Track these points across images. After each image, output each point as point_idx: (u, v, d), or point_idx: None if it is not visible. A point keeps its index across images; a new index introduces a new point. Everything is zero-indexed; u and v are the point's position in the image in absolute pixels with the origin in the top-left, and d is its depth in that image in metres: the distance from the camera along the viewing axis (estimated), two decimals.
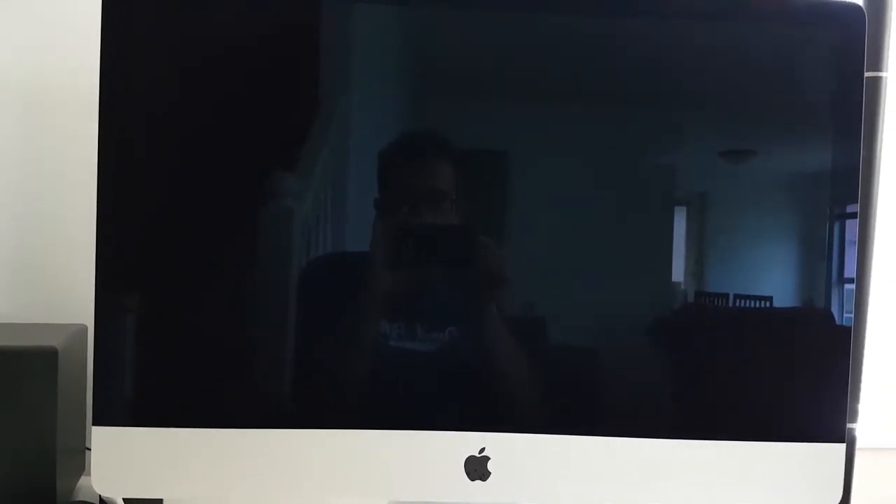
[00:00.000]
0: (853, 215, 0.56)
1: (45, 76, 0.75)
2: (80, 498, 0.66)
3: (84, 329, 0.69)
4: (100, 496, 0.62)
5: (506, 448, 0.53)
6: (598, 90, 0.55)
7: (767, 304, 0.55)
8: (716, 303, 0.55)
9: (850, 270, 0.56)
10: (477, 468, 0.53)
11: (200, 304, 0.53)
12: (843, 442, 0.54)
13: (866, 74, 0.54)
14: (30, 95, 0.75)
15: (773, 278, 0.55)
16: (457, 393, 0.54)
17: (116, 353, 0.52)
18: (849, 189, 0.55)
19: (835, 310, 0.55)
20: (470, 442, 0.53)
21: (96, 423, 0.52)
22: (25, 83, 0.75)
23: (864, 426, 0.67)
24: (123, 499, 0.63)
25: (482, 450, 0.53)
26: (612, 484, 0.54)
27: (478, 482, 0.53)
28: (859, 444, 0.66)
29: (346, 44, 0.54)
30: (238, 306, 0.53)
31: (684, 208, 0.55)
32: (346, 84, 0.53)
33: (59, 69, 0.75)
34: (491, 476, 0.53)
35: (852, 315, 0.56)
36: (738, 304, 0.55)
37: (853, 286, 0.57)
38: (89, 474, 0.69)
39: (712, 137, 0.55)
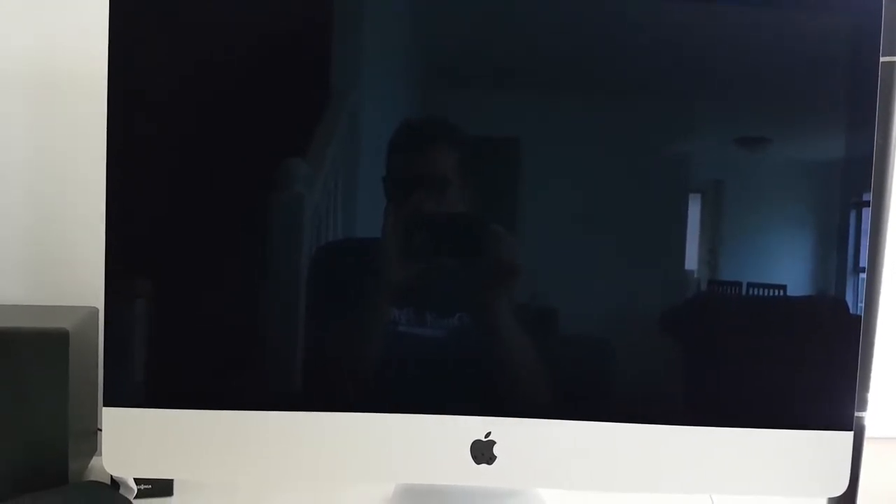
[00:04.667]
0: (869, 203, 0.55)
1: (56, 62, 0.76)
2: (92, 478, 0.67)
3: (95, 311, 0.69)
4: (111, 476, 0.63)
5: (512, 433, 0.53)
6: (612, 77, 0.54)
7: (781, 293, 0.54)
8: (729, 291, 0.54)
9: (866, 259, 0.55)
10: (483, 452, 0.53)
11: (210, 288, 0.53)
12: (851, 430, 0.54)
13: (882, 59, 0.54)
14: (41, 82, 0.76)
15: (787, 267, 0.55)
16: (464, 378, 0.54)
17: (127, 336, 0.52)
18: (865, 177, 0.54)
19: (849, 299, 0.54)
20: (476, 426, 0.53)
21: (107, 404, 0.52)
22: (37, 69, 0.75)
23: (876, 415, 0.66)
24: (134, 479, 0.64)
25: (488, 434, 0.53)
26: (617, 469, 0.54)
27: (484, 466, 0.53)
28: (869, 433, 0.66)
29: (356, 31, 0.53)
30: (247, 290, 0.53)
31: (699, 196, 0.54)
32: (355, 71, 0.53)
33: (70, 56, 0.76)
34: (497, 460, 0.53)
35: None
36: (751, 292, 0.54)
37: None
38: (100, 455, 0.70)
39: (727, 125, 0.54)
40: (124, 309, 0.52)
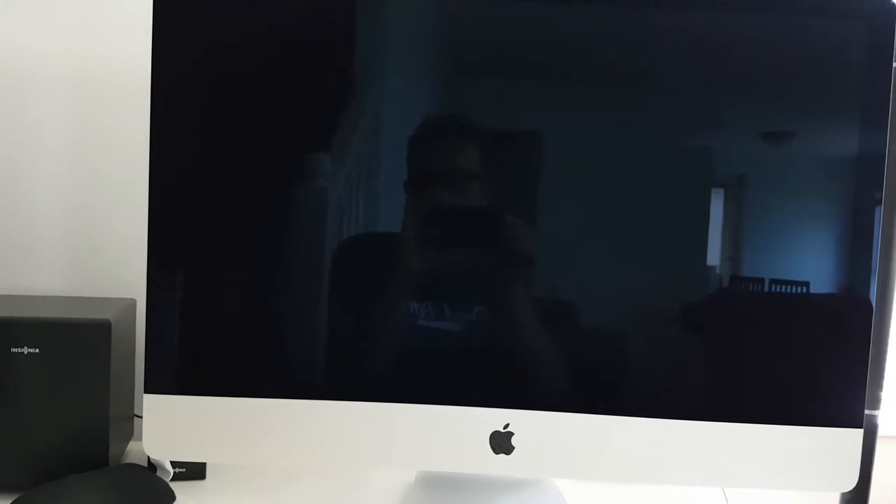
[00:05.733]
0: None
1: (94, 60, 0.78)
2: (130, 461, 0.70)
3: (133, 303, 0.72)
4: (148, 458, 0.66)
5: (529, 425, 0.55)
6: (634, 71, 0.54)
7: (804, 290, 0.55)
8: (750, 287, 0.55)
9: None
10: (501, 443, 0.55)
11: (243, 281, 0.55)
12: (861, 428, 0.55)
13: (895, 65, 0.55)
14: (79, 78, 0.78)
15: (810, 263, 0.55)
16: (483, 371, 0.55)
17: (166, 326, 0.55)
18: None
19: (866, 296, 0.55)
20: (495, 418, 0.55)
21: (148, 390, 0.55)
22: (75, 67, 0.78)
23: (891, 414, 0.67)
24: (171, 462, 0.67)
25: (507, 425, 0.55)
26: (632, 461, 0.55)
27: (502, 456, 0.55)
28: (883, 431, 0.66)
29: (379, 26, 0.55)
30: (277, 283, 0.55)
31: (721, 191, 0.55)
32: (379, 66, 0.55)
33: (107, 53, 0.78)
34: (515, 450, 0.55)
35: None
36: (773, 289, 0.55)
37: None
38: (137, 439, 0.74)
39: (750, 119, 0.54)
40: (164, 301, 0.55)
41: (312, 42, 0.54)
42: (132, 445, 0.74)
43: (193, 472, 0.69)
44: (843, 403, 0.55)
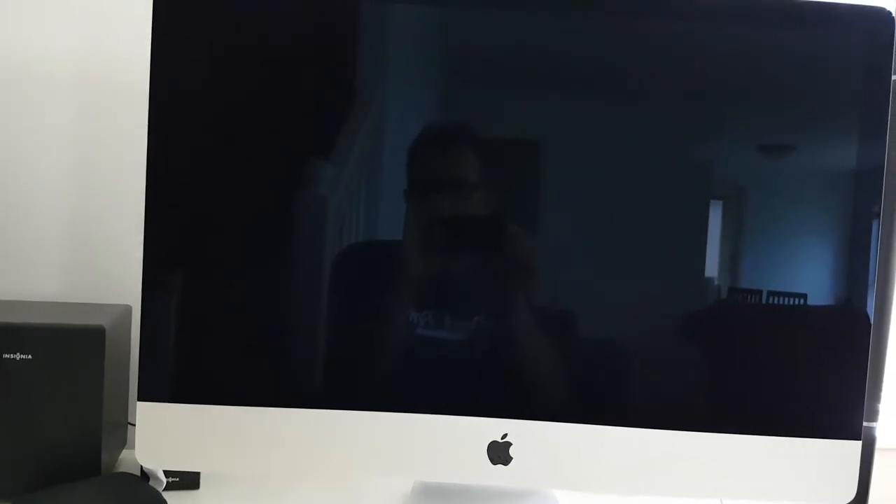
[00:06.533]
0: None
1: (98, 65, 0.78)
2: (123, 470, 0.69)
3: (129, 309, 0.72)
4: (141, 467, 0.65)
5: (527, 435, 0.55)
6: (635, 83, 0.55)
7: (802, 302, 0.55)
8: (748, 299, 0.55)
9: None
10: (499, 453, 0.55)
11: (239, 289, 0.55)
12: (859, 440, 0.55)
13: (893, 77, 0.55)
14: (81, 84, 0.78)
15: (808, 275, 0.55)
16: (482, 380, 0.55)
17: (161, 333, 0.54)
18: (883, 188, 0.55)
19: (868, 308, 0.55)
20: (493, 428, 0.55)
21: (141, 398, 0.54)
22: (79, 72, 0.78)
23: (890, 426, 0.67)
24: (164, 471, 0.66)
25: (504, 435, 0.55)
26: (630, 472, 0.55)
27: (500, 466, 0.55)
28: (881, 444, 0.66)
29: (381, 35, 0.55)
30: (274, 291, 0.55)
31: (721, 202, 0.55)
32: (380, 75, 0.55)
33: (111, 59, 0.78)
34: (513, 461, 0.55)
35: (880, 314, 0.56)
36: (771, 300, 0.55)
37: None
38: (130, 448, 0.73)
39: (750, 132, 0.55)
40: (159, 308, 0.54)
41: (315, 49, 0.54)
42: (125, 454, 0.73)
43: (187, 481, 0.68)
44: (841, 415, 0.55)
